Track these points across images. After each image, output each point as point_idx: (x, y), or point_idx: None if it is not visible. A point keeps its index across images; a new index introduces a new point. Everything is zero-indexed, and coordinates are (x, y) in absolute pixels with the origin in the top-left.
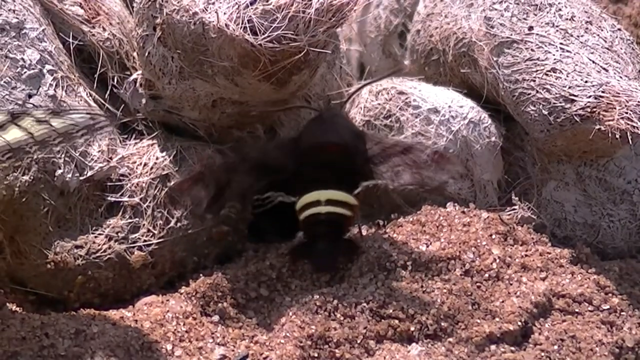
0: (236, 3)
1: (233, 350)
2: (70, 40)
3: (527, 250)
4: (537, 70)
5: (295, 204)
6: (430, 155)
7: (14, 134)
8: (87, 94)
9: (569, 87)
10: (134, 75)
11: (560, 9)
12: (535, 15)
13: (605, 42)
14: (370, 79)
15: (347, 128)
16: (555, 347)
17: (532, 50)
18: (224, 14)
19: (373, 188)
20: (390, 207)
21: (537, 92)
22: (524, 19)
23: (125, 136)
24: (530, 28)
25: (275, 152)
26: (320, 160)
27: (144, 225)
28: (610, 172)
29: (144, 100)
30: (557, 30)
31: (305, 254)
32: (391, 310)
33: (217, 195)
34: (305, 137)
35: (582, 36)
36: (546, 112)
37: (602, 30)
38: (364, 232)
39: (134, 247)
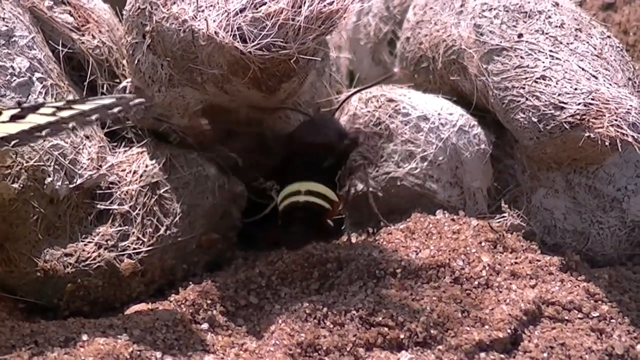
0: (226, 11)
1: (223, 358)
2: (60, 47)
3: (516, 258)
4: (526, 78)
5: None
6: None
7: (38, 119)
8: None
9: (559, 95)
10: (124, 83)
11: (549, 17)
12: (525, 22)
13: (595, 49)
14: (360, 86)
15: (335, 130)
16: (545, 354)
17: (521, 57)
18: (214, 21)
19: (358, 193)
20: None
21: (527, 99)
22: (514, 26)
23: (115, 144)
24: (520, 35)
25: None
26: (308, 159)
27: (133, 233)
28: (600, 179)
29: None
30: (546, 38)
31: (279, 236)
32: (381, 318)
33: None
34: (295, 136)
35: (571, 43)
36: (536, 120)
37: (591, 37)
38: (353, 240)
39: (123, 255)
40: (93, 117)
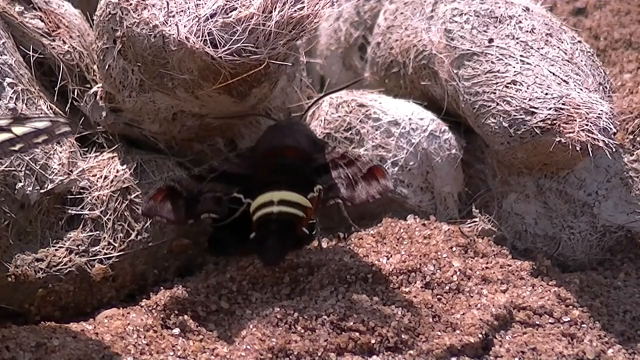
0: (196, 16)
1: None
2: (31, 53)
3: (487, 263)
4: (497, 83)
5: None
6: (364, 169)
7: None
8: (47, 107)
9: (529, 100)
10: (94, 88)
11: (520, 22)
12: (496, 27)
13: (566, 54)
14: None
15: (303, 133)
16: (516, 359)
17: (492, 62)
18: (184, 26)
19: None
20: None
21: (498, 104)
22: (484, 31)
23: (86, 149)
24: (491, 40)
25: (237, 160)
26: (276, 164)
27: (104, 238)
28: (571, 184)
29: (104, 113)
30: (517, 43)
31: (255, 249)
32: (352, 323)
33: (192, 203)
34: (262, 141)
35: (542, 48)
36: (506, 125)
37: (562, 42)
38: (324, 245)
39: (94, 260)
40: (17, 147)
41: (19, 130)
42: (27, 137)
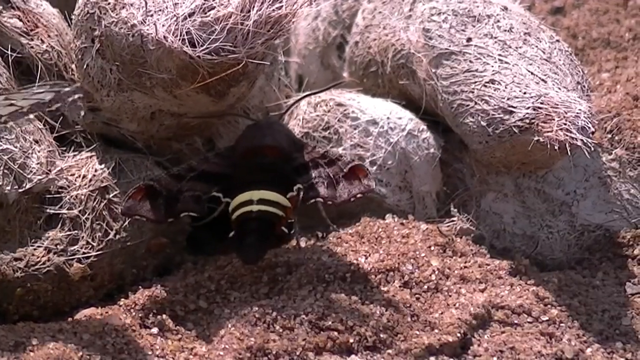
0: (174, 15)
1: None
2: (9, 52)
3: (466, 262)
4: (475, 82)
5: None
6: (346, 168)
7: None
8: None
9: (508, 99)
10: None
11: (498, 21)
12: (474, 26)
13: (544, 53)
14: (309, 90)
15: (282, 133)
16: (495, 358)
17: (470, 61)
18: (162, 26)
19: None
20: (329, 219)
21: (476, 103)
22: (462, 30)
23: (64, 148)
24: (469, 39)
25: (216, 160)
26: (256, 163)
27: (83, 237)
28: (549, 183)
29: (82, 113)
30: (495, 42)
31: (234, 248)
32: (330, 322)
33: (171, 202)
34: (241, 141)
35: (520, 47)
36: (485, 124)
37: (540, 41)
38: (303, 244)
39: (73, 259)
40: (31, 116)
41: (22, 102)
42: (36, 105)
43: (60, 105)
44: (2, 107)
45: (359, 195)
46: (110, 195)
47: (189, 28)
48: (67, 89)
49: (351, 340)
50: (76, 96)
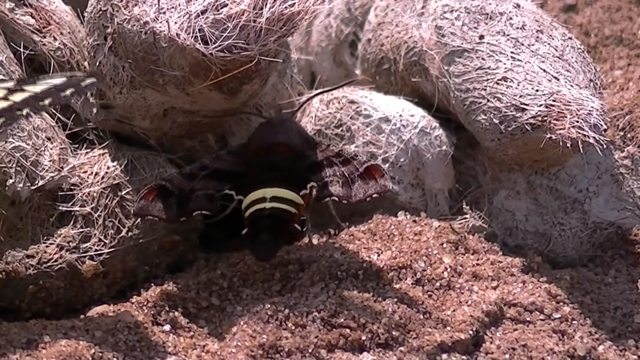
0: (187, 12)
1: None
2: (22, 50)
3: (478, 259)
4: (488, 79)
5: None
6: (361, 168)
7: None
8: None
9: (520, 96)
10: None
11: (511, 18)
12: (486, 24)
13: (556, 50)
14: (321, 88)
15: (295, 131)
16: (507, 356)
17: (483, 59)
18: (175, 23)
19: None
20: (342, 216)
21: (488, 101)
22: (475, 27)
23: (77, 146)
24: (481, 37)
25: (228, 157)
26: (269, 161)
27: (95, 234)
28: (562, 180)
29: (95, 110)
30: (508, 39)
31: (248, 244)
32: (342, 320)
33: (184, 201)
34: (254, 139)
35: (532, 45)
36: (497, 121)
37: (553, 39)
38: (315, 241)
39: (85, 256)
40: (46, 102)
41: (35, 88)
42: (51, 92)
43: (74, 91)
44: (16, 94)
45: (375, 196)
46: (123, 193)
47: (201, 25)
48: (80, 74)
49: (363, 338)
50: (89, 81)
